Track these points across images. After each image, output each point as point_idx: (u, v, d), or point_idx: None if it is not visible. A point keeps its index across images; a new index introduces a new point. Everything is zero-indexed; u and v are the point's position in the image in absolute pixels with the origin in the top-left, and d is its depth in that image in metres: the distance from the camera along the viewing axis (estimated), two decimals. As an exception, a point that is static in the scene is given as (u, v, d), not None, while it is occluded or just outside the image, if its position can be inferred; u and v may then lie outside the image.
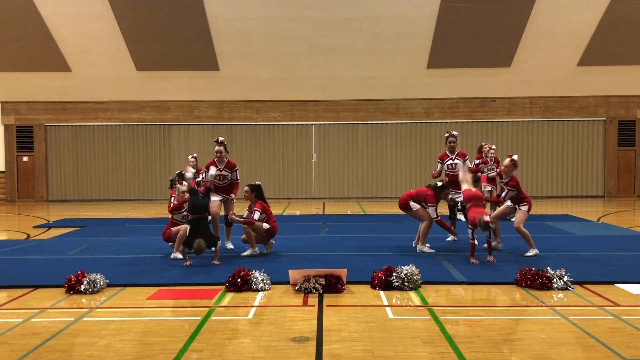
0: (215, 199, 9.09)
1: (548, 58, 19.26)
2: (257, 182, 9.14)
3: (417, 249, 9.02)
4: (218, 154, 9.13)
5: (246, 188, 8.91)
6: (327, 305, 6.05)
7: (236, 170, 9.24)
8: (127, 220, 14.27)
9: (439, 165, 10.06)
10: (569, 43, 18.88)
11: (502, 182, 8.85)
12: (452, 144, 9.69)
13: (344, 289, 6.66)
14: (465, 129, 20.15)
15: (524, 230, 8.56)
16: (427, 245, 9.08)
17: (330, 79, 19.91)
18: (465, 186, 8.71)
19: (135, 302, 6.28)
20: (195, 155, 11.76)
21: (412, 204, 8.99)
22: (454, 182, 9.58)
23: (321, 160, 20.98)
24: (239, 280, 6.68)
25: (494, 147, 12.14)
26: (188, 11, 17.85)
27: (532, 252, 8.55)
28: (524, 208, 8.63)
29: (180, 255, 8.46)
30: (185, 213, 8.74)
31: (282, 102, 20.66)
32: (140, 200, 20.76)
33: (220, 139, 9.33)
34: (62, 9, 17.97)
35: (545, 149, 20.70)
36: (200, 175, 10.01)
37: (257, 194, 8.91)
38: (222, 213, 9.37)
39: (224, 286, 6.77)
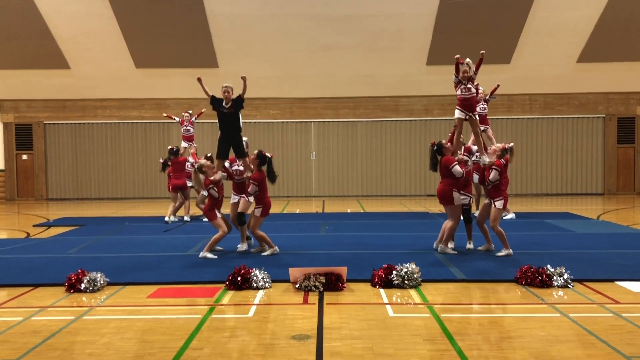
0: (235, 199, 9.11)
1: (547, 55, 19.25)
2: (268, 154, 8.75)
3: (440, 248, 8.68)
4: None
5: (253, 154, 8.65)
6: (327, 303, 6.06)
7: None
8: (127, 218, 14.26)
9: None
10: (568, 40, 18.86)
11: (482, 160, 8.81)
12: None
13: (344, 287, 6.66)
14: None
15: (500, 229, 8.37)
16: (451, 246, 8.76)
17: (330, 76, 19.89)
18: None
19: (136, 301, 6.29)
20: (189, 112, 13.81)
21: (455, 195, 8.43)
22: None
23: (320, 158, 20.98)
24: (239, 278, 6.68)
25: (481, 88, 11.91)
26: (187, 8, 17.83)
27: (504, 252, 8.42)
28: (499, 204, 8.37)
29: (209, 255, 8.53)
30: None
31: (282, 99, 20.64)
32: (139, 199, 20.76)
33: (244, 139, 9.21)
34: (61, 6, 17.94)
35: (545, 146, 20.69)
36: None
37: (261, 162, 8.58)
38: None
39: (225, 284, 6.78)
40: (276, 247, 8.75)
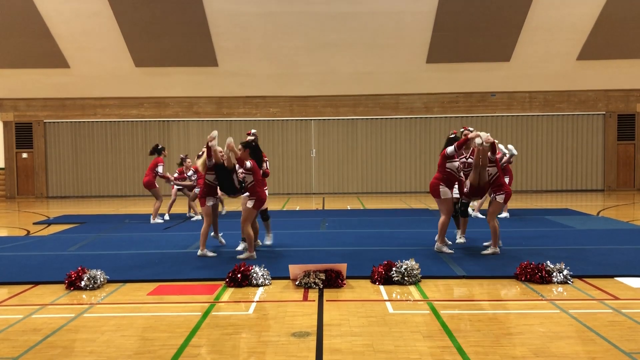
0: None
1: (547, 52, 19.24)
2: (252, 138, 8.75)
3: (435, 247, 8.53)
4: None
5: (240, 146, 8.47)
6: (327, 300, 6.06)
7: (265, 161, 8.94)
8: (127, 216, 14.27)
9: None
10: (568, 37, 18.85)
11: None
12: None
13: (344, 284, 6.66)
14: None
15: (495, 224, 8.20)
16: (447, 245, 8.61)
17: (330, 74, 19.89)
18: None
19: (136, 298, 6.29)
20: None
21: (442, 189, 8.32)
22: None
23: (321, 156, 20.97)
24: (239, 275, 6.68)
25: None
26: (186, 7, 17.81)
27: (490, 250, 8.28)
28: (500, 198, 8.25)
29: (209, 253, 8.46)
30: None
31: (282, 97, 20.63)
32: (140, 197, 20.75)
33: (253, 131, 9.14)
34: (60, 5, 17.93)
35: (545, 143, 20.69)
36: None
37: (251, 152, 8.46)
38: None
39: (224, 282, 6.78)
40: (254, 254, 8.26)
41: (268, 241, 9.39)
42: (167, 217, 13.18)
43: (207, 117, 20.63)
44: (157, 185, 12.81)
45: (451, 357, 4.40)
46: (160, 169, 12.56)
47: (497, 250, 8.32)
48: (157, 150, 12.80)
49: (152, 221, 12.68)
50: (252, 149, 8.55)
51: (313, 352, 4.54)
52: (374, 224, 12.13)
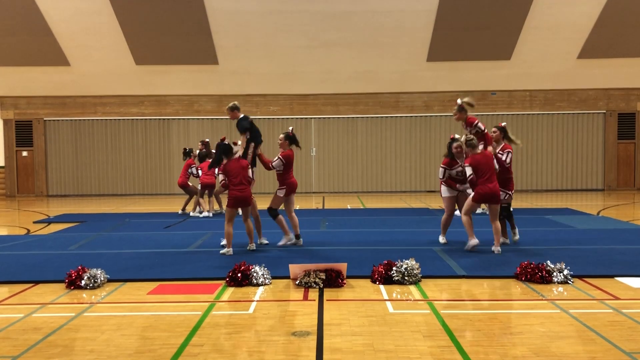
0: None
1: (548, 51, 19.23)
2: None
3: (439, 239, 9.22)
4: (279, 141, 9.19)
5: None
6: (327, 300, 6.06)
7: (278, 158, 8.97)
8: (127, 215, 14.28)
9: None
10: (569, 36, 18.85)
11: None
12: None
13: (344, 284, 6.66)
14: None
15: (466, 218, 8.32)
16: (444, 237, 9.24)
17: (330, 72, 19.88)
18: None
19: (136, 297, 6.29)
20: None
21: (442, 188, 9.09)
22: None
23: (321, 154, 20.97)
24: (239, 275, 6.68)
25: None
26: (187, 5, 17.81)
27: (470, 244, 8.36)
28: (469, 192, 8.49)
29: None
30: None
31: (282, 95, 20.63)
32: (140, 195, 20.77)
33: (290, 128, 9.44)
34: (60, 3, 17.94)
35: (545, 142, 20.70)
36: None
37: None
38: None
39: (225, 281, 6.78)
40: (231, 250, 8.43)
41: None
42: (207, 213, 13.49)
43: (208, 115, 20.62)
44: (190, 184, 13.87)
45: (451, 357, 4.40)
46: (194, 170, 13.74)
47: (477, 241, 8.31)
48: (186, 154, 13.95)
49: (201, 215, 13.45)
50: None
51: (313, 352, 4.54)
52: (374, 223, 12.13)
